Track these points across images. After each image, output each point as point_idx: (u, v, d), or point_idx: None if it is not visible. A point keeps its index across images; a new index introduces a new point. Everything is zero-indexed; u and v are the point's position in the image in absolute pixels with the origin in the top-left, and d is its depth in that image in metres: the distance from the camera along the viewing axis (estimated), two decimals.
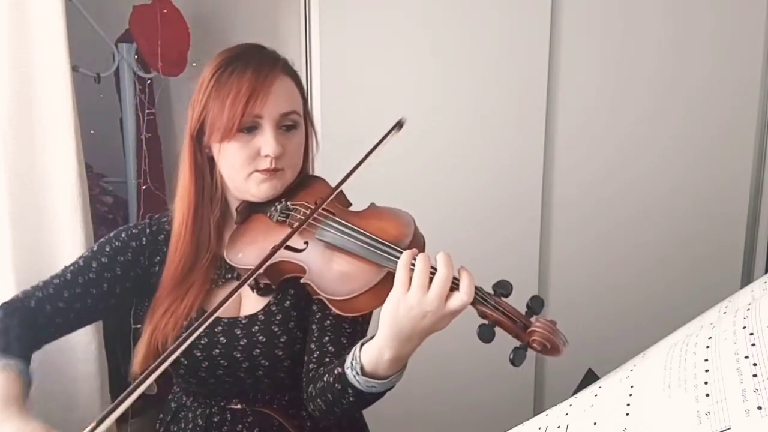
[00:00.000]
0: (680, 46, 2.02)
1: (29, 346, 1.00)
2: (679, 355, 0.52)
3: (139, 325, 1.83)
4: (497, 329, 0.80)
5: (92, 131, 2.13)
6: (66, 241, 1.64)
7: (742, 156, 2.12)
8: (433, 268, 0.81)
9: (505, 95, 1.96)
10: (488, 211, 2.00)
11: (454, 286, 0.80)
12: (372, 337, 0.86)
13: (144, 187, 2.18)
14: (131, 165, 2.20)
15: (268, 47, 1.06)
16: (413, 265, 0.81)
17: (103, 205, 2.18)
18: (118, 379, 1.96)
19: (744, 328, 0.50)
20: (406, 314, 0.80)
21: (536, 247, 2.05)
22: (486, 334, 0.79)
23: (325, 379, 0.93)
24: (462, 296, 0.79)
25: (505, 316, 0.80)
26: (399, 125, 0.99)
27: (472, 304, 0.81)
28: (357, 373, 0.86)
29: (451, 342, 1.91)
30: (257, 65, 0.99)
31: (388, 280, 0.85)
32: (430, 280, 0.80)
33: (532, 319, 0.80)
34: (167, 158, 2.36)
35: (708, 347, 0.51)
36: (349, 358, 0.88)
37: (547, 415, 0.60)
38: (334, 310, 0.90)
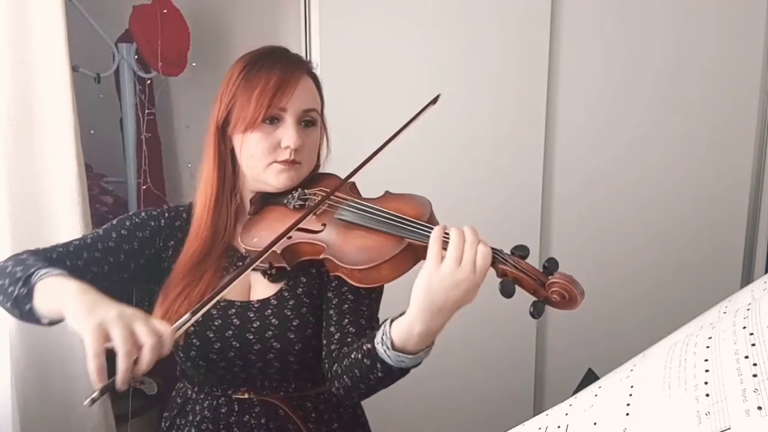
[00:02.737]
0: (680, 46, 2.02)
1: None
2: (679, 355, 0.52)
3: None
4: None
5: (92, 131, 2.13)
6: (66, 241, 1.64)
7: (742, 156, 2.12)
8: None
9: (506, 94, 1.96)
10: (488, 209, 2.00)
11: None
12: (401, 314, 0.89)
13: (144, 187, 2.18)
14: (131, 165, 2.20)
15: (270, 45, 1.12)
16: (446, 237, 0.86)
17: (103, 205, 2.19)
18: None
19: (744, 328, 0.51)
20: (438, 285, 0.84)
21: (536, 246, 2.05)
22: (507, 289, 0.84)
23: (352, 356, 0.95)
24: (482, 248, 0.84)
25: (524, 273, 0.85)
26: (434, 101, 1.06)
27: (494, 264, 0.86)
28: (387, 348, 0.88)
29: (452, 342, 1.91)
30: (285, 64, 1.06)
31: (407, 251, 0.91)
32: None
33: (550, 277, 0.84)
34: (167, 158, 2.36)
35: (708, 347, 0.51)
36: (379, 333, 0.90)
37: (547, 415, 0.60)
38: (353, 282, 0.94)
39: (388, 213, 0.95)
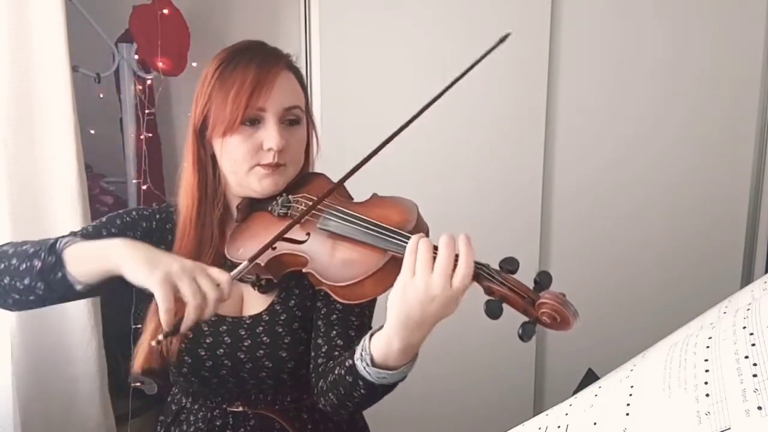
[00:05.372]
0: (680, 46, 2.02)
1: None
2: (679, 355, 0.52)
3: (139, 326, 1.83)
4: (506, 307, 0.79)
5: (92, 131, 2.13)
6: None
7: (742, 156, 2.11)
8: (436, 250, 0.80)
9: (506, 94, 1.96)
10: (488, 209, 2.00)
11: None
12: (381, 327, 0.85)
13: (144, 187, 2.18)
14: (131, 165, 2.20)
15: (270, 44, 1.06)
16: (435, 252, 0.80)
17: (103, 205, 2.19)
18: (117, 379, 1.97)
19: (744, 328, 0.51)
20: (413, 299, 0.78)
21: (536, 246, 2.05)
22: (494, 310, 0.77)
23: (336, 372, 0.92)
24: (461, 269, 0.77)
25: (512, 291, 0.78)
26: (503, 39, 0.96)
27: (479, 281, 0.79)
28: (367, 365, 0.84)
29: (452, 342, 1.91)
30: (261, 59, 0.99)
31: (391, 264, 0.84)
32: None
33: (541, 294, 0.77)
34: (167, 158, 2.36)
35: (708, 347, 0.51)
36: (358, 349, 0.87)
37: (547, 415, 0.60)
38: (338, 299, 0.89)
39: (370, 223, 0.88)
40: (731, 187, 2.13)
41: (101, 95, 2.22)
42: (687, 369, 0.49)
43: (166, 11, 2.07)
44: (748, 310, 0.53)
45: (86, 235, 1.03)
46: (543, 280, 0.78)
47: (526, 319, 0.78)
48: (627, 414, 0.50)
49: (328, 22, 1.81)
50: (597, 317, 2.10)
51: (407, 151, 1.85)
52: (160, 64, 2.07)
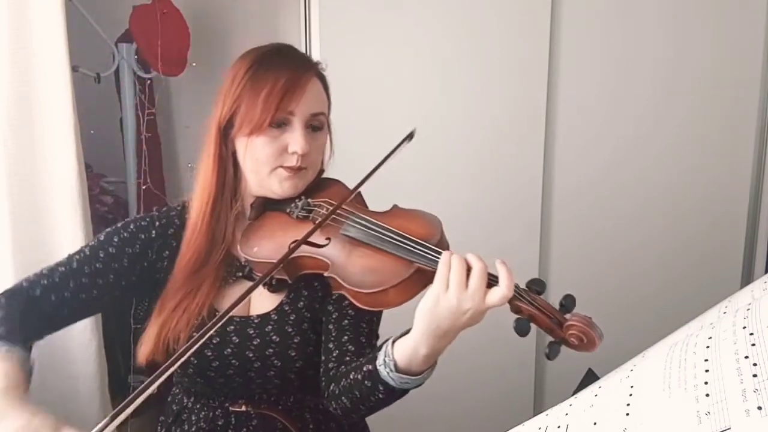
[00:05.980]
0: (680, 46, 2.02)
1: (31, 335, 0.98)
2: (679, 355, 0.52)
3: (139, 325, 1.83)
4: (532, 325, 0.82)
5: (92, 131, 2.13)
6: (66, 241, 1.64)
7: (742, 156, 2.12)
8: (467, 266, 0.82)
9: (506, 94, 1.96)
10: (488, 209, 2.00)
11: (492, 281, 0.82)
12: (404, 334, 0.87)
13: (144, 187, 2.18)
14: (131, 165, 2.20)
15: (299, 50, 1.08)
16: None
17: (103, 205, 2.19)
18: (117, 379, 1.97)
19: (744, 328, 0.51)
20: (446, 311, 0.81)
21: (536, 246, 2.05)
22: (523, 328, 0.80)
23: (351, 376, 0.92)
24: (502, 290, 0.80)
25: (540, 311, 0.81)
26: (410, 136, 1.04)
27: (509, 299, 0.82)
28: (391, 370, 0.86)
29: (452, 343, 1.91)
30: (294, 64, 1.01)
31: (417, 275, 0.86)
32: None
33: (567, 316, 0.81)
34: (167, 158, 2.36)
35: (708, 347, 0.51)
36: (381, 355, 0.88)
37: (547, 415, 0.60)
38: (359, 305, 0.90)
39: (397, 233, 0.90)
40: (731, 187, 2.13)
41: (101, 95, 2.21)
42: (687, 369, 0.49)
43: (166, 11, 2.06)
44: (748, 310, 0.53)
45: (83, 260, 1.03)
46: (568, 302, 0.82)
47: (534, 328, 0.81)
48: (627, 414, 0.50)
49: (328, 22, 1.80)
50: (597, 317, 2.09)
51: (407, 151, 1.84)
52: (160, 64, 2.07)
